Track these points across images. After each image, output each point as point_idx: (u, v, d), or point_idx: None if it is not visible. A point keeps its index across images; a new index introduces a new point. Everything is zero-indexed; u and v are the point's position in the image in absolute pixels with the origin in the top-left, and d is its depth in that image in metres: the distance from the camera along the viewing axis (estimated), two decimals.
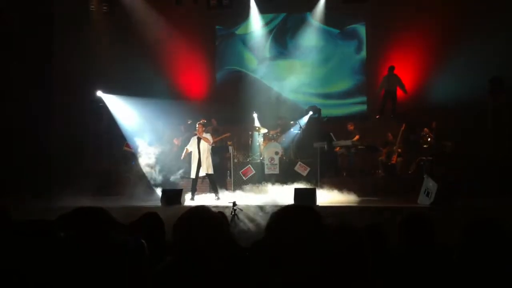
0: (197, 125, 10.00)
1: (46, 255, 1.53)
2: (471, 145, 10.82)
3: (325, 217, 1.77)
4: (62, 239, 1.59)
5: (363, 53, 14.00)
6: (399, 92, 12.82)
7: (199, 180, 10.36)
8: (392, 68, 12.78)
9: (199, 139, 9.88)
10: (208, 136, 9.99)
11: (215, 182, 10.10)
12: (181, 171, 11.09)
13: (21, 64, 10.87)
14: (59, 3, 12.30)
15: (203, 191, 10.71)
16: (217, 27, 14.73)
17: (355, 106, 13.96)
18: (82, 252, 1.58)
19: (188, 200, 9.57)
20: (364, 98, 13.94)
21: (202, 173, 9.97)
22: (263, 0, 13.78)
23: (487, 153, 10.68)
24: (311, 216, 1.73)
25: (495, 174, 9.96)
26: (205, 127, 10.41)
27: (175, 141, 11.76)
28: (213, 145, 10.44)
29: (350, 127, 11.90)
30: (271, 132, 11.98)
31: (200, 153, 9.85)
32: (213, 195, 10.01)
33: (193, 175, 9.97)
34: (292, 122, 12.33)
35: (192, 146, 9.98)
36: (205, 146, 9.89)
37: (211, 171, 9.98)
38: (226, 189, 10.99)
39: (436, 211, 7.49)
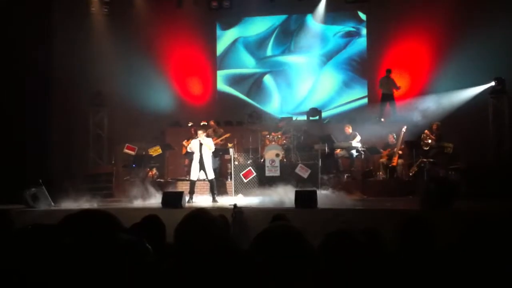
0: (198, 132, 10.05)
1: (48, 261, 1.53)
2: (472, 146, 10.81)
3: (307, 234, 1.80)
4: (65, 245, 1.59)
5: (364, 52, 14.02)
6: (398, 92, 12.83)
7: (199, 182, 10.35)
8: (388, 71, 12.72)
9: (201, 143, 9.89)
10: (210, 142, 10.03)
11: (214, 187, 10.08)
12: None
13: (20, 66, 10.86)
14: (59, 5, 12.31)
15: (203, 193, 10.71)
16: (217, 29, 14.75)
17: (356, 102, 13.99)
18: (86, 256, 1.58)
19: (187, 203, 9.47)
20: (365, 92, 13.98)
21: (202, 176, 9.95)
22: (264, 2, 13.79)
23: (488, 154, 10.65)
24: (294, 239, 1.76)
25: (496, 176, 9.93)
26: (205, 130, 10.40)
27: (185, 143, 11.61)
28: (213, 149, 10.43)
29: (348, 129, 11.80)
30: (272, 134, 11.97)
31: (202, 156, 9.84)
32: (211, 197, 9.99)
33: (194, 177, 9.95)
34: (293, 123, 12.32)
35: (194, 148, 9.97)
36: (207, 150, 9.91)
37: (212, 176, 9.97)
38: (227, 191, 10.96)
39: (436, 213, 7.46)
